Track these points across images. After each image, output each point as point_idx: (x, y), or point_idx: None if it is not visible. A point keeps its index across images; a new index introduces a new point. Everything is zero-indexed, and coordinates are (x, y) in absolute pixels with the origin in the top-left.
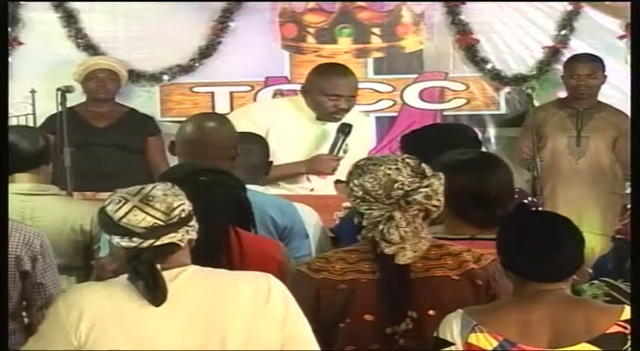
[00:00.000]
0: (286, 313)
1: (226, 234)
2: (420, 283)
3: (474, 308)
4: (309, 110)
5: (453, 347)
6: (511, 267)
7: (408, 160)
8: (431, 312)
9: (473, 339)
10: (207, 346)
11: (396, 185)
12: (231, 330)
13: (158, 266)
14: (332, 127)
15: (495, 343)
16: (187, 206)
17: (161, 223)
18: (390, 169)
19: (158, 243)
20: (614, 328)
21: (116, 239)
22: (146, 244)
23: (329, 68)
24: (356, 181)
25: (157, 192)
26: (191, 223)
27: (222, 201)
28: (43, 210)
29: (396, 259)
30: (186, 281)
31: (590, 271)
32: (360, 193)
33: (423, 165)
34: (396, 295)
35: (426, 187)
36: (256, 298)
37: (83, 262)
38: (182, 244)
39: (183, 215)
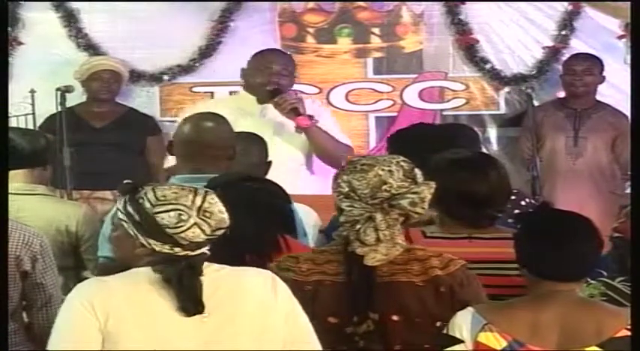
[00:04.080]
0: (292, 308)
1: (276, 242)
2: (384, 287)
3: (484, 306)
4: (248, 105)
5: (462, 345)
6: (526, 265)
7: (402, 163)
8: (395, 317)
9: (482, 338)
10: (220, 337)
11: (384, 187)
12: (242, 323)
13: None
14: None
15: (505, 344)
16: None
17: (205, 237)
18: (383, 170)
19: (192, 254)
20: (624, 332)
21: (150, 241)
22: (183, 253)
23: (262, 50)
24: (345, 177)
25: (211, 207)
26: None
27: (269, 209)
28: (28, 210)
29: (365, 260)
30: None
31: (604, 273)
32: (346, 189)
33: (416, 170)
34: (359, 296)
35: (414, 193)
36: (264, 292)
37: (72, 262)
38: (208, 254)
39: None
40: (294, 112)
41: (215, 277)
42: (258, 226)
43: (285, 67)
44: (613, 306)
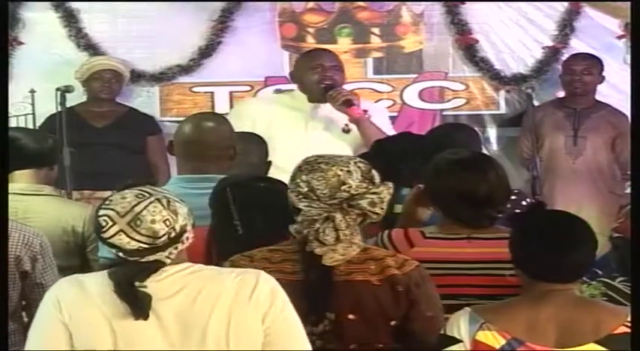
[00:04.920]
0: (270, 307)
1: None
2: (341, 286)
3: (481, 306)
4: (299, 103)
5: (461, 345)
6: (521, 266)
7: (359, 164)
8: (350, 316)
9: (481, 337)
10: (184, 339)
11: (343, 187)
12: (211, 324)
13: (136, 284)
14: (319, 125)
15: (503, 342)
16: (180, 224)
17: (146, 246)
18: (341, 170)
19: (143, 260)
20: (622, 329)
21: (105, 247)
22: (133, 258)
23: (311, 50)
24: (304, 177)
25: (147, 216)
26: (183, 237)
27: (279, 209)
28: (35, 210)
29: (323, 260)
30: (170, 277)
31: (600, 272)
32: (305, 189)
33: (373, 171)
34: (316, 296)
35: (373, 194)
36: (241, 293)
37: (78, 262)
38: (168, 261)
39: (172, 235)
40: (347, 103)
41: (194, 278)
42: (267, 227)
43: (335, 63)
44: (610, 304)
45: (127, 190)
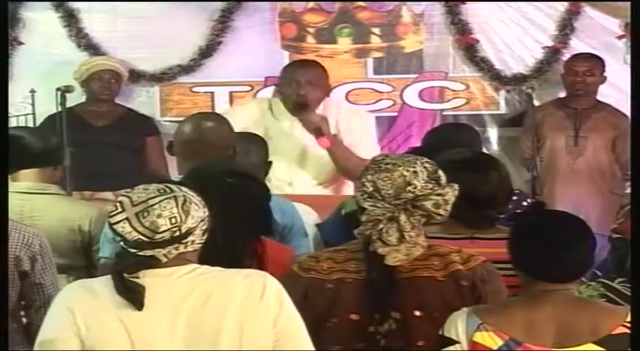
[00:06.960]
0: (279, 311)
1: (248, 243)
2: (405, 283)
3: (479, 307)
4: (277, 108)
5: (458, 346)
6: (519, 266)
7: (426, 165)
8: (417, 313)
9: (478, 338)
10: (197, 343)
11: (408, 188)
12: (223, 327)
13: (126, 275)
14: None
15: (501, 343)
16: (188, 226)
17: (145, 239)
18: (407, 170)
19: (140, 253)
20: (620, 329)
21: (106, 245)
22: (131, 250)
23: (294, 61)
24: (369, 177)
25: (156, 209)
26: (187, 240)
27: (246, 210)
28: (41, 209)
29: (386, 260)
30: (181, 279)
31: (599, 273)
32: (371, 189)
33: (440, 172)
34: (380, 295)
35: (438, 195)
36: (250, 296)
37: (84, 262)
38: (164, 260)
39: (175, 234)
40: (316, 132)
41: (203, 281)
42: (229, 232)
43: (311, 77)
44: (609, 304)
45: (155, 184)
